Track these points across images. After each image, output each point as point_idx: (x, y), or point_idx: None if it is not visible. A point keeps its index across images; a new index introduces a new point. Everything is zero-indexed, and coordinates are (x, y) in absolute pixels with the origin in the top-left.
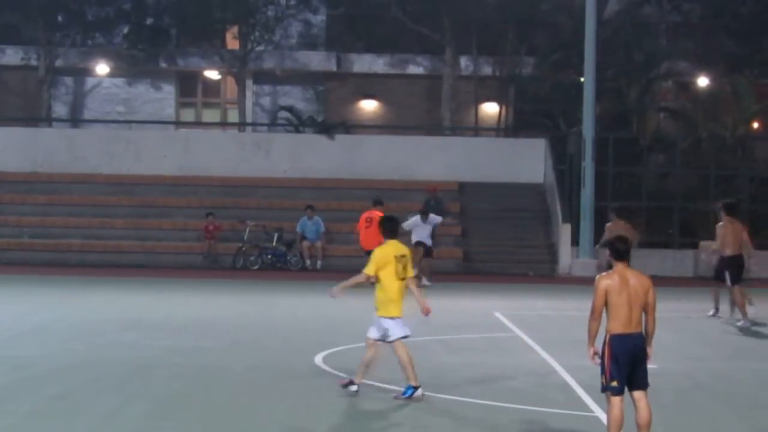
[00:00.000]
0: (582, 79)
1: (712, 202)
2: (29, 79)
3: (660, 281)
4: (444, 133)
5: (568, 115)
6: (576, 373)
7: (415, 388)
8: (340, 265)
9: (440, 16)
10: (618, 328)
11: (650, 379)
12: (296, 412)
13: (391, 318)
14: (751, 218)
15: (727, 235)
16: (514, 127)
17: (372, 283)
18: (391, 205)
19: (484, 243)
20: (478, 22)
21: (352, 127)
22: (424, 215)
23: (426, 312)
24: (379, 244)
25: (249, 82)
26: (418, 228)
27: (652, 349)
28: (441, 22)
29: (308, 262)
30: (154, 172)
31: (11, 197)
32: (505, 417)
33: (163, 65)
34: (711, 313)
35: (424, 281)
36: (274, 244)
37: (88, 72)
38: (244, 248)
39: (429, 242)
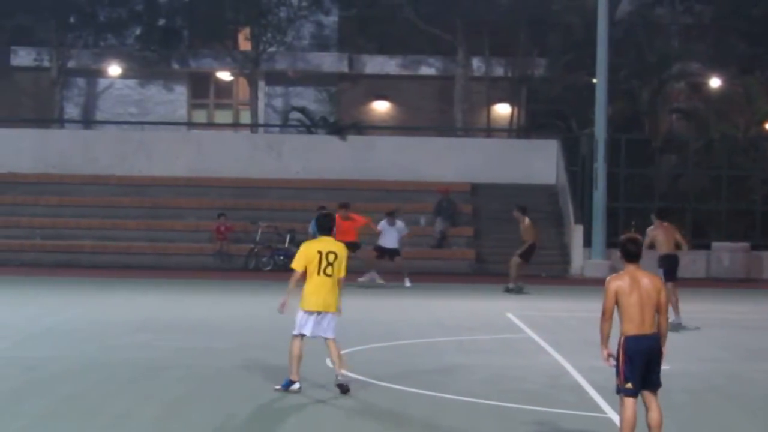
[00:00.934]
0: (594, 80)
1: (724, 203)
2: (42, 81)
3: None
4: (456, 134)
5: (580, 116)
6: (588, 374)
7: (292, 382)
8: (353, 266)
9: (452, 17)
10: (632, 329)
11: (663, 380)
12: (307, 413)
13: (304, 311)
14: (764, 220)
15: (658, 236)
16: (526, 128)
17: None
18: (403, 206)
19: (496, 244)
20: (490, 23)
21: (364, 128)
22: (391, 219)
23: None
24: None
25: (261, 83)
26: (384, 232)
27: (666, 350)
28: (453, 23)
29: None
30: (166, 173)
31: (24, 198)
32: (517, 418)
33: (176, 66)
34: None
35: (407, 283)
36: (286, 245)
37: (100, 73)
38: (256, 249)
39: (393, 245)
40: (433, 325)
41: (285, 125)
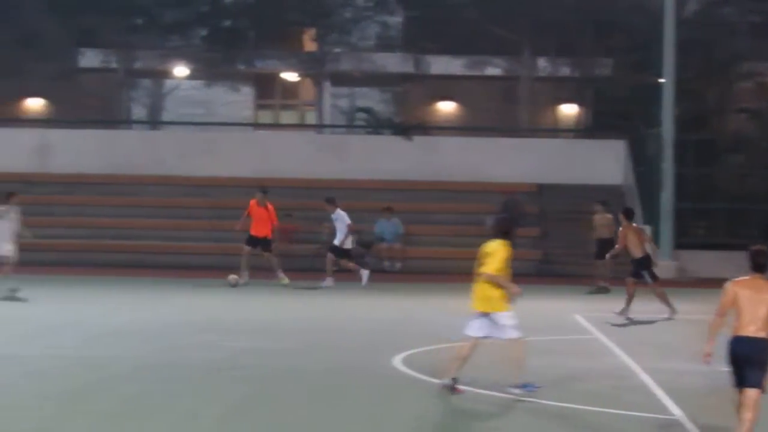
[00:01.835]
0: (660, 80)
1: None
2: (108, 82)
3: None
4: (521, 135)
5: (646, 116)
6: (656, 376)
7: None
8: (419, 267)
9: (517, 17)
10: (737, 330)
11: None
12: (374, 414)
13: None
14: None
15: (633, 238)
16: (592, 128)
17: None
18: (468, 207)
19: (562, 245)
20: (556, 22)
21: (429, 128)
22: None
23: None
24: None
25: (326, 84)
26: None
27: None
28: (518, 23)
29: (386, 263)
30: (231, 173)
31: (90, 199)
32: (584, 419)
33: (241, 67)
34: (667, 315)
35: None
36: (350, 246)
37: (166, 74)
38: (321, 250)
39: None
40: None
41: (350, 126)
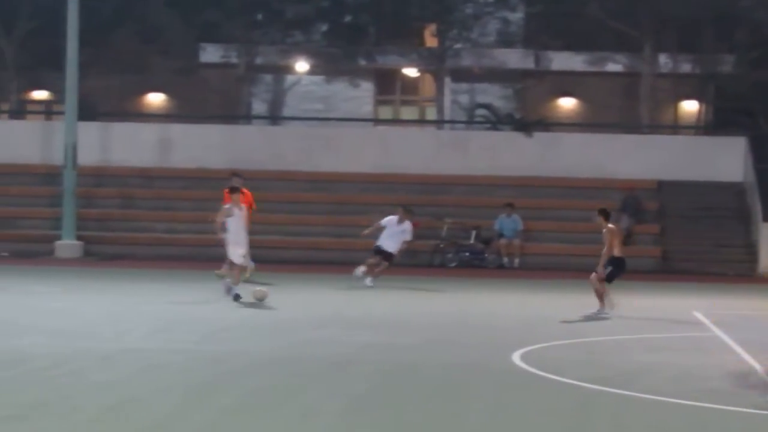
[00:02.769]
0: None
1: None
2: (229, 77)
3: None
4: (642, 131)
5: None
6: None
7: None
8: (538, 263)
9: (638, 13)
10: None
11: None
12: (493, 411)
13: None
14: None
15: (615, 238)
16: (713, 125)
17: None
18: (588, 204)
19: (682, 242)
20: (677, 19)
21: (550, 125)
22: (405, 216)
23: None
24: None
25: (447, 80)
26: (388, 229)
27: None
28: (639, 19)
29: (506, 260)
30: (352, 169)
31: (212, 194)
32: (704, 417)
33: (362, 63)
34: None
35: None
36: (471, 241)
37: (287, 70)
38: (441, 246)
39: (390, 248)
40: (619, 323)
41: (471, 122)
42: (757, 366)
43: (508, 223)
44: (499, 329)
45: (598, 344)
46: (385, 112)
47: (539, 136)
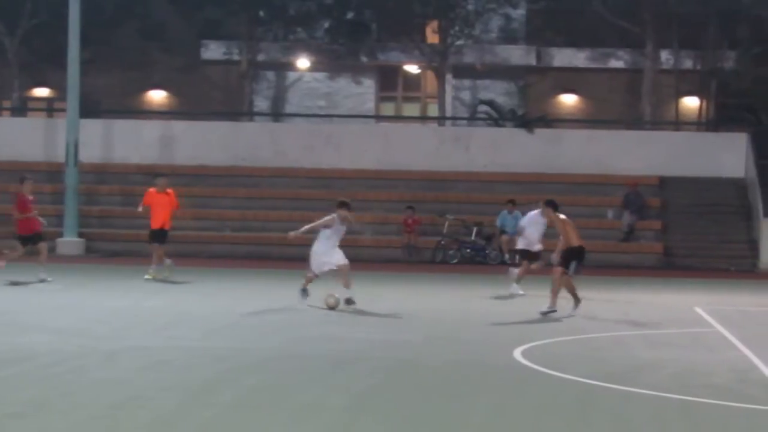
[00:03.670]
0: None
1: None
2: (231, 74)
3: None
4: (644, 128)
5: None
6: None
7: None
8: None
9: (641, 9)
10: None
11: None
12: (495, 407)
13: None
14: None
15: (568, 227)
16: (715, 121)
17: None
18: (591, 200)
19: (684, 238)
20: (679, 15)
21: (552, 121)
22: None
23: None
24: None
25: (449, 77)
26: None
27: None
28: (641, 16)
29: (507, 256)
30: (354, 166)
31: (213, 191)
32: (705, 413)
33: (364, 60)
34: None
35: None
36: (473, 238)
37: (289, 66)
38: (443, 242)
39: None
40: (620, 319)
41: (473, 118)
42: (758, 362)
43: (510, 219)
44: (501, 326)
45: (600, 340)
46: (387, 109)
47: (541, 132)
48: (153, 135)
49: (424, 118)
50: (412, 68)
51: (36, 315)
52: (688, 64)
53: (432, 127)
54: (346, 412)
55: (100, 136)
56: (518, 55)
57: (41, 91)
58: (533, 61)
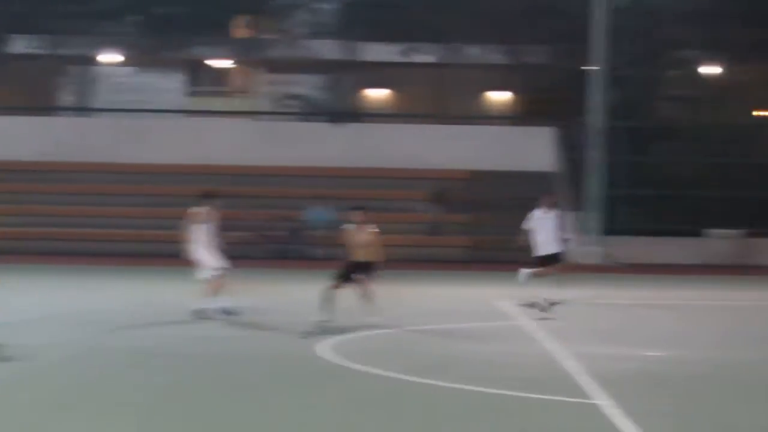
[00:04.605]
0: (591, 68)
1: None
2: (39, 68)
3: (669, 269)
4: (454, 122)
5: (576, 104)
6: (581, 361)
7: None
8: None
9: (450, 3)
10: None
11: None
12: (298, 404)
13: None
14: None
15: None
16: (523, 115)
17: None
18: (399, 194)
19: (492, 231)
20: (488, 9)
21: (361, 115)
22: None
23: None
24: None
25: (260, 71)
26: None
27: None
28: (451, 10)
29: (318, 250)
30: (163, 161)
31: (21, 186)
32: (509, 405)
33: (174, 54)
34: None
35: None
36: (280, 232)
37: (96, 61)
38: (249, 236)
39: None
40: (426, 313)
41: (282, 113)
42: (560, 354)
43: (319, 213)
44: (301, 318)
45: (406, 334)
46: (198, 104)
47: (352, 126)
48: None
49: (234, 112)
50: (223, 62)
51: None
52: (497, 58)
53: (243, 122)
54: (145, 410)
55: None
56: (329, 49)
57: None
58: (343, 56)
